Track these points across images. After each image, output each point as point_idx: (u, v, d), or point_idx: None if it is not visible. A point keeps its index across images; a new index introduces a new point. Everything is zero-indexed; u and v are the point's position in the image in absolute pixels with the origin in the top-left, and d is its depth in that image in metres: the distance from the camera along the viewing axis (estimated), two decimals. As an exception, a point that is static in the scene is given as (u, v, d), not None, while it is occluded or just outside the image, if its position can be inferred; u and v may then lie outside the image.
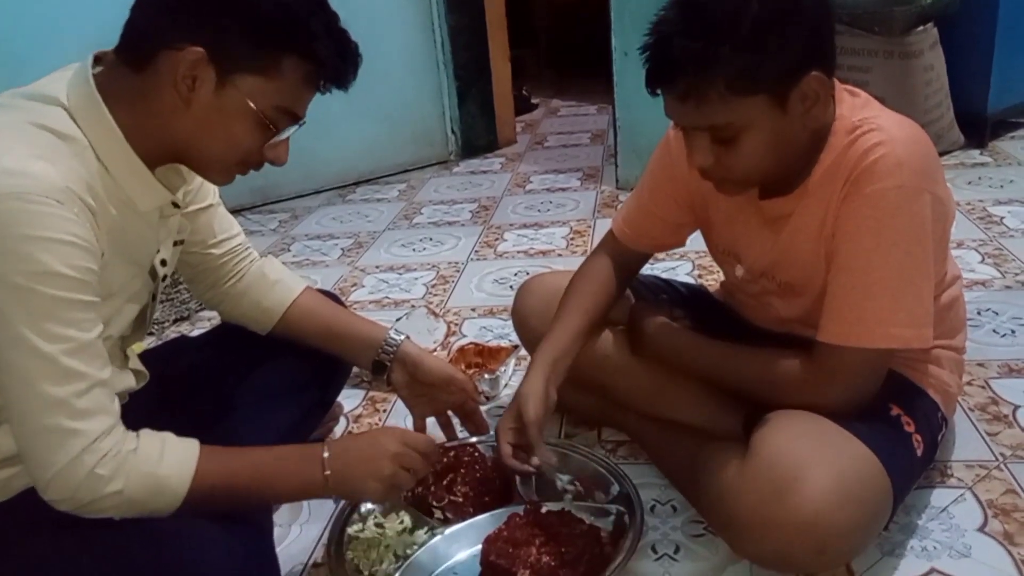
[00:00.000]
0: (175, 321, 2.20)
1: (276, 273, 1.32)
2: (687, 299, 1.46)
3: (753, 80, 1.00)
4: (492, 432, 1.43)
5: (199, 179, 1.22)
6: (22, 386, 0.87)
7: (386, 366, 1.31)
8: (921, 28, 2.75)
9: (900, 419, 1.14)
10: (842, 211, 1.08)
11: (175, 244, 1.16)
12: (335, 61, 0.99)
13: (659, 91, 1.06)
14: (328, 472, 1.04)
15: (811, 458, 1.02)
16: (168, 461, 0.94)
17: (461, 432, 1.40)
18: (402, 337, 1.31)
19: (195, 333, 1.92)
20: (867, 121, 1.08)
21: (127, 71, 0.95)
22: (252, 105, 0.96)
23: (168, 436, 0.98)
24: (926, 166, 1.06)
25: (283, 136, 1.01)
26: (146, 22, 0.95)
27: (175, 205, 1.08)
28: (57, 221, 0.86)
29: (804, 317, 1.19)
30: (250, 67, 0.94)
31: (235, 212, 3.03)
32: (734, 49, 0.98)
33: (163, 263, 1.12)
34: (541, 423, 1.20)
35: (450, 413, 1.38)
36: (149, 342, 2.02)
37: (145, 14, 0.95)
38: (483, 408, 1.65)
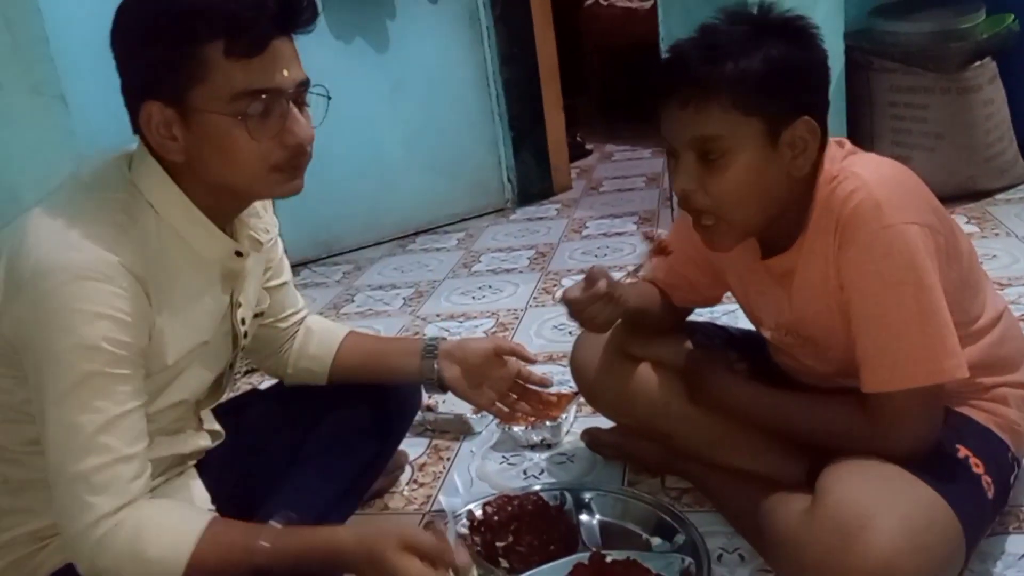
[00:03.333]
0: (246, 373, 2.27)
1: (319, 324, 1.38)
2: (744, 345, 1.46)
3: (754, 100, 1.05)
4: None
5: (278, 251, 1.27)
6: (53, 452, 0.92)
7: (434, 367, 1.32)
8: (978, 63, 2.72)
9: (968, 461, 1.12)
10: (841, 263, 1.10)
11: (255, 316, 1.20)
12: (230, 21, 0.92)
13: (656, 108, 1.11)
14: None
15: (877, 504, 1.01)
16: (163, 542, 0.94)
17: (524, 481, 1.41)
18: (440, 338, 1.35)
19: (265, 384, 1.98)
20: (843, 170, 1.11)
21: (150, 150, 1.01)
22: (214, 112, 0.94)
23: (171, 513, 0.98)
24: (907, 201, 1.08)
25: (275, 113, 0.96)
26: (127, 105, 0.99)
27: (238, 254, 1.10)
28: (102, 295, 0.91)
29: (843, 370, 1.19)
30: (187, 83, 0.94)
31: (300, 265, 3.16)
32: (744, 66, 1.05)
33: (245, 335, 1.16)
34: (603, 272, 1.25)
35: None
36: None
37: (124, 100, 0.99)
38: (543, 456, 1.67)
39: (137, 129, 1.00)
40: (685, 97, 1.07)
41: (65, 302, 0.90)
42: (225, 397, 1.51)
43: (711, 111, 1.06)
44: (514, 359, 1.34)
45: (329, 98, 1.04)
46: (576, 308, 1.26)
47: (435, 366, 1.32)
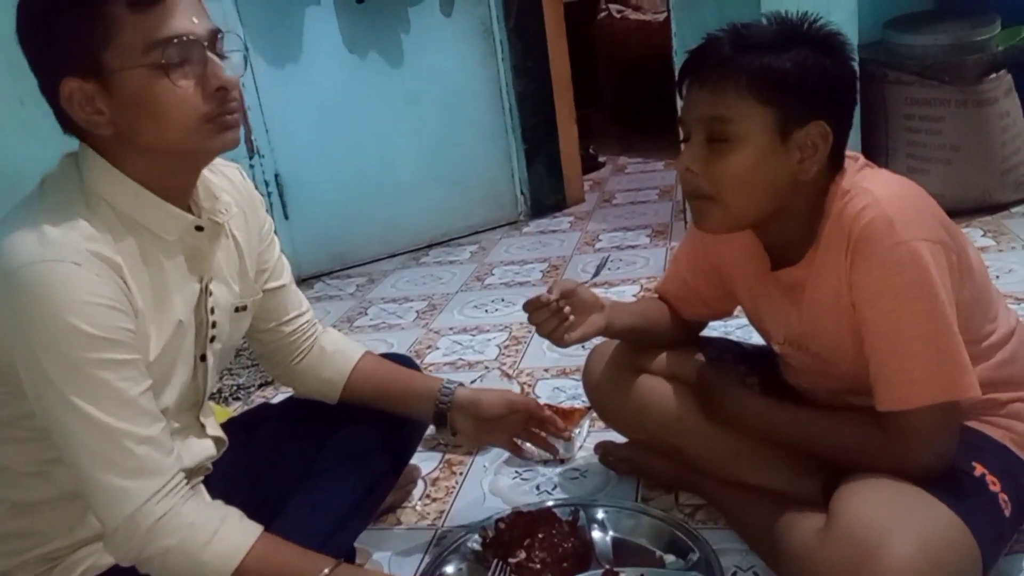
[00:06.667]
0: (260, 386, 2.28)
1: (333, 344, 1.36)
2: (757, 361, 1.45)
3: (772, 91, 1.07)
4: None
5: (275, 253, 1.26)
6: (72, 447, 0.92)
7: (446, 418, 1.33)
8: (994, 75, 2.71)
9: (984, 478, 1.11)
10: (853, 280, 1.10)
11: (237, 310, 1.17)
12: None
13: (684, 90, 1.14)
14: None
15: (893, 523, 1.01)
16: (214, 549, 0.96)
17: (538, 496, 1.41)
18: (455, 385, 1.34)
19: (278, 398, 1.99)
20: (855, 185, 1.12)
21: (81, 140, 1.00)
22: (131, 68, 0.93)
23: (229, 518, 1.00)
24: (918, 217, 1.08)
25: (193, 60, 0.96)
26: (48, 98, 0.97)
27: (199, 229, 1.07)
28: (80, 283, 0.90)
29: (851, 387, 1.19)
30: (99, 47, 0.93)
31: (314, 278, 3.17)
32: (770, 60, 1.07)
33: (214, 324, 1.12)
34: (571, 285, 1.31)
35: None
36: (236, 408, 2.10)
37: (45, 95, 0.97)
38: (558, 470, 1.66)
39: (64, 120, 0.98)
40: (707, 77, 1.10)
41: (42, 294, 0.89)
42: (239, 409, 1.51)
43: (727, 93, 1.08)
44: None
45: (247, 49, 1.03)
46: (524, 309, 1.30)
47: (447, 416, 1.33)
